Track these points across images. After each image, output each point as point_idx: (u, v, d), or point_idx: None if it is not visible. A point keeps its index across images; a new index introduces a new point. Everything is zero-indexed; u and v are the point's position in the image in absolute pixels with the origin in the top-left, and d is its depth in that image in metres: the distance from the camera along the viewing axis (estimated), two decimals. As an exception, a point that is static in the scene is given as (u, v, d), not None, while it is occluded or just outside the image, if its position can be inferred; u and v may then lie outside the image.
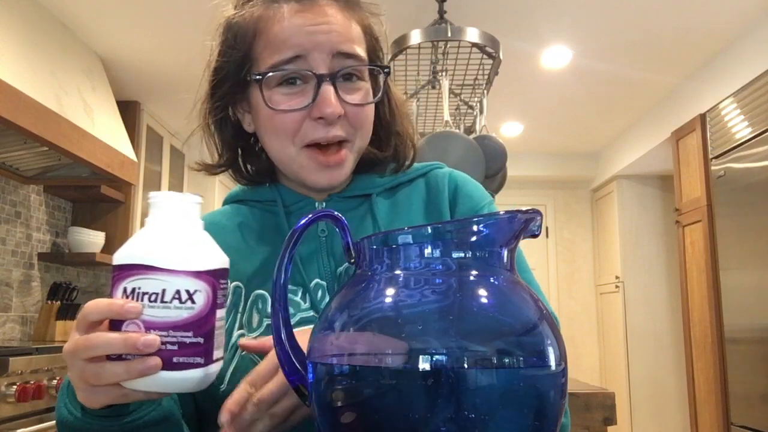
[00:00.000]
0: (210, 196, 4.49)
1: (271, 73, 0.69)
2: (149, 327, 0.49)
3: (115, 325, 0.50)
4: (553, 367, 0.43)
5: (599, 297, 5.17)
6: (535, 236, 0.48)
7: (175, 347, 0.49)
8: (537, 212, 0.46)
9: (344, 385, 0.44)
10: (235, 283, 0.74)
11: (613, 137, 4.70)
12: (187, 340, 0.50)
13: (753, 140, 2.87)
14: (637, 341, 4.59)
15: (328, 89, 0.68)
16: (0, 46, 2.28)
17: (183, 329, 0.50)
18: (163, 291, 0.49)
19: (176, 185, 4.24)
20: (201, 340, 0.50)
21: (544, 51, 3.21)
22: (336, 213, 0.52)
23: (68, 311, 3.07)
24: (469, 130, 2.89)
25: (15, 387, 1.98)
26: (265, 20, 0.70)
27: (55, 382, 2.16)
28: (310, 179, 0.73)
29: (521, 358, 0.42)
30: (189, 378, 0.50)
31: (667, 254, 4.63)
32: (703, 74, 3.39)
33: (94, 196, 3.31)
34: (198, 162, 0.81)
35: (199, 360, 0.50)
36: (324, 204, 0.78)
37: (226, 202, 0.85)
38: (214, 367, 0.52)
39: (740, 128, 2.99)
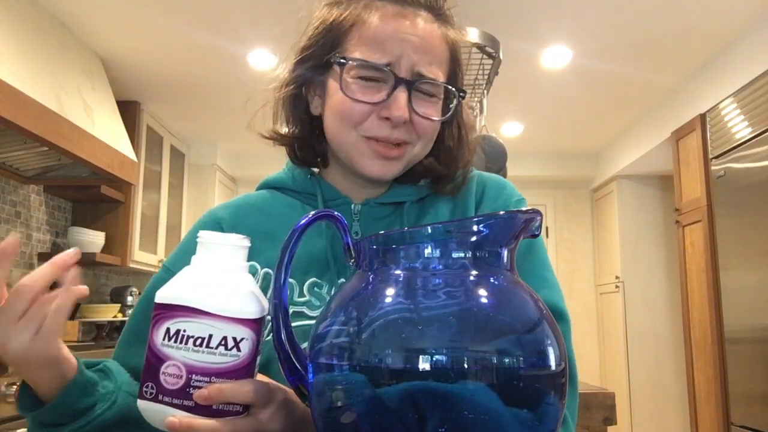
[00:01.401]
0: (210, 196, 4.49)
1: (355, 62, 0.71)
2: (191, 371, 0.48)
3: (154, 366, 0.49)
4: (553, 367, 0.43)
5: (599, 297, 5.17)
6: (535, 236, 0.48)
7: None
8: (537, 212, 0.46)
9: (344, 385, 0.44)
10: (265, 270, 0.74)
11: (613, 137, 4.70)
12: None
13: (753, 140, 2.87)
14: (637, 341, 4.58)
15: (402, 94, 0.70)
16: (0, 46, 2.28)
17: (225, 377, 0.48)
18: (210, 336, 0.48)
19: (176, 185, 4.24)
20: None
21: (544, 51, 3.21)
22: (336, 213, 0.52)
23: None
24: (469, 130, 2.88)
25: (15, 387, 1.98)
26: (363, 15, 0.72)
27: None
28: (365, 165, 0.73)
29: (521, 358, 0.41)
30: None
31: (667, 254, 4.63)
32: (703, 74, 3.38)
33: (94, 196, 3.31)
34: (271, 129, 0.82)
35: (237, 408, 0.49)
36: (360, 206, 0.78)
37: (262, 187, 0.86)
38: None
39: (740, 128, 2.99)
